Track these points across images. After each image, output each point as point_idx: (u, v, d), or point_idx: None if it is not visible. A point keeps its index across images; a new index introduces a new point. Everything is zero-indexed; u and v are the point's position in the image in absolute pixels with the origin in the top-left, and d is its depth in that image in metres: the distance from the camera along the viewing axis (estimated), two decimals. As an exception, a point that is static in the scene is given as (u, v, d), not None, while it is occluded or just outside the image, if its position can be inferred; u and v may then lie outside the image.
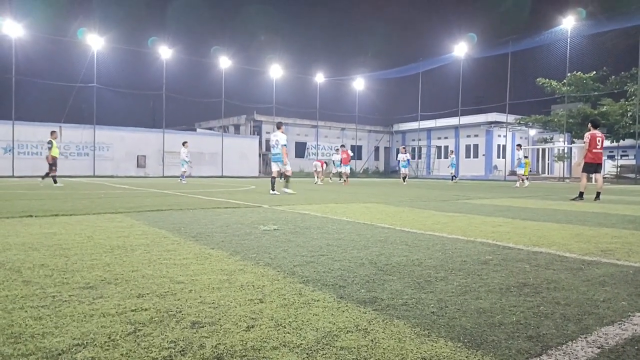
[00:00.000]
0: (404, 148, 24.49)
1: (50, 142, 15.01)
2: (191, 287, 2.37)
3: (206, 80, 40.06)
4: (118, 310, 1.97)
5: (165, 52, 33.38)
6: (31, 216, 5.52)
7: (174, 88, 35.19)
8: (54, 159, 14.89)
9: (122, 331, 1.73)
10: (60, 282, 2.43)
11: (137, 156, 32.03)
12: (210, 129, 43.42)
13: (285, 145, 11.75)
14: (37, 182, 15.34)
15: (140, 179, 26.21)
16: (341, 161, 21.77)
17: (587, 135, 10.52)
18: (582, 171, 10.68)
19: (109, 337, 1.66)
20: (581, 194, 10.24)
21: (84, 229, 4.48)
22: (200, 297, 2.20)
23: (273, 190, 11.29)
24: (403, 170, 23.37)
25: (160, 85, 33.65)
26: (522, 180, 20.09)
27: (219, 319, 1.88)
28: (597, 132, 10.47)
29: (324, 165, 22.34)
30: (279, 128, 12.21)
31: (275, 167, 11.91)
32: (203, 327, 1.79)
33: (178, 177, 22.91)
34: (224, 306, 2.06)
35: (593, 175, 10.76)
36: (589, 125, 10.73)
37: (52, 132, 15.48)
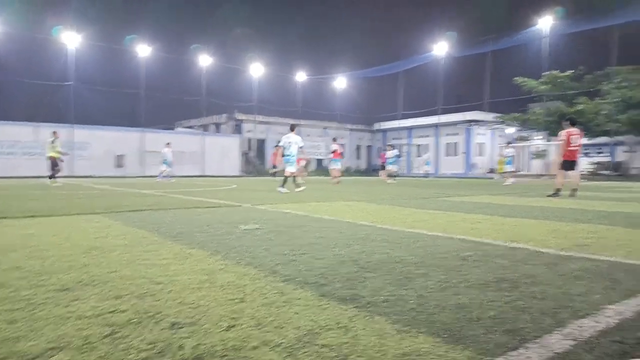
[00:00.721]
0: (390, 145, 24.41)
1: (53, 142, 15.24)
2: (171, 288, 2.34)
3: (186, 78, 39.70)
4: (95, 313, 1.94)
5: (144, 50, 32.92)
6: (5, 217, 5.39)
7: (154, 86, 34.82)
8: (52, 158, 15.14)
9: (99, 333, 1.70)
10: (36, 285, 2.38)
11: (116, 156, 31.55)
12: (190, 127, 42.99)
13: (301, 147, 12.16)
14: (47, 183, 15.40)
15: (119, 178, 25.81)
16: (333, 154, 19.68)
17: (563, 133, 10.71)
18: (559, 168, 10.88)
19: (86, 340, 1.63)
20: (557, 190, 10.44)
21: (61, 230, 4.39)
22: (179, 297, 2.18)
23: (298, 187, 11.80)
24: (391, 168, 22.61)
25: (139, 83, 33.19)
26: (509, 178, 20.35)
27: (199, 319, 1.86)
28: (574, 130, 10.65)
29: (301, 162, 21.50)
30: (292, 130, 12.41)
31: (287, 168, 12.16)
32: (182, 327, 1.77)
33: (156, 176, 23.01)
34: (204, 306, 2.04)
35: (569, 172, 10.96)
36: (566, 123, 10.92)
37: (54, 132, 15.75)
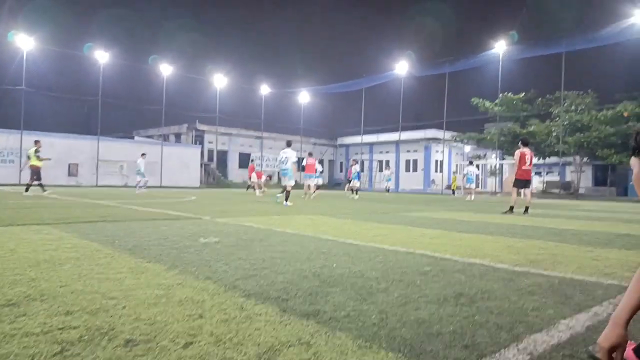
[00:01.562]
0: (354, 160, 24.71)
1: (37, 151, 15.05)
2: (125, 303, 2.25)
3: (146, 87, 38.91)
4: (43, 329, 1.83)
5: (102, 56, 32.02)
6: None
7: (112, 94, 33.93)
8: (35, 167, 14.92)
9: (47, 352, 1.60)
10: (-23, 300, 2.23)
11: (69, 164, 30.30)
12: (149, 137, 41.94)
13: (295, 162, 12.70)
14: (41, 194, 14.82)
15: (72, 187, 24.75)
16: (304, 169, 18.38)
17: (517, 153, 11.11)
18: (513, 186, 11.33)
19: (32, 359, 1.54)
20: (511, 207, 10.79)
21: (6, 241, 4.15)
22: (135, 313, 2.09)
23: (286, 201, 12.09)
24: (355, 182, 23.06)
25: (96, 90, 32.18)
26: (470, 194, 21.14)
27: (155, 336, 1.79)
28: (527, 150, 11.03)
29: (262, 176, 21.36)
30: (289, 145, 13.05)
31: (284, 181, 12.81)
32: (137, 345, 1.70)
33: (134, 186, 23.27)
34: (161, 322, 1.97)
35: (522, 190, 11.36)
36: (520, 143, 11.35)
37: (36, 142, 15.57)
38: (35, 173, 14.95)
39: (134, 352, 1.63)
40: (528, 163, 10.98)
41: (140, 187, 21.42)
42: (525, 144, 11.21)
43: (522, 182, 11.13)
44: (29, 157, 15.32)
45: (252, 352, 1.66)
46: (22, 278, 2.73)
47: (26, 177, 27.52)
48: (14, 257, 3.39)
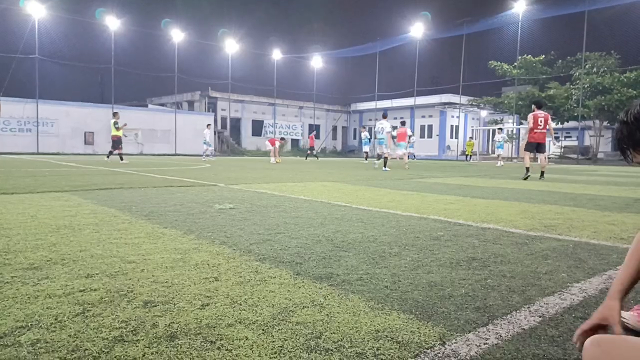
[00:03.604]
0: (363, 127, 24.90)
1: (116, 123, 17.00)
2: (143, 267, 2.31)
3: (158, 54, 38.62)
4: (65, 291, 1.90)
5: (114, 23, 31.76)
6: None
7: (124, 61, 33.79)
8: (115, 137, 16.92)
9: (69, 312, 1.67)
10: (1, 263, 2.31)
11: (85, 133, 30.64)
12: (162, 105, 41.99)
13: (389, 132, 14.76)
14: (104, 160, 16.76)
15: (89, 156, 25.12)
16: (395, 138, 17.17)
17: (530, 115, 10.85)
18: (524, 149, 11.08)
19: (56, 319, 1.60)
20: (527, 169, 10.51)
21: (27, 208, 4.26)
22: (152, 276, 2.15)
23: (385, 167, 14.09)
24: (365, 148, 23.57)
25: (109, 58, 32.11)
26: (500, 160, 21.56)
27: (173, 298, 1.85)
28: (540, 113, 10.72)
29: (277, 143, 21.38)
30: (384, 117, 15.16)
31: (380, 150, 14.97)
32: (156, 306, 1.75)
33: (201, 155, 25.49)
34: (178, 285, 2.02)
35: (538, 155, 11.11)
36: (533, 106, 11.04)
37: (115, 114, 17.83)
38: (116, 142, 16.97)
39: (153, 312, 1.68)
40: (542, 126, 10.65)
41: (207, 155, 23.68)
42: (539, 106, 10.91)
43: (533, 146, 10.84)
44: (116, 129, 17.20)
45: (267, 313, 1.70)
46: (44, 243, 2.81)
47: (47, 146, 28.02)
48: (35, 223, 3.48)
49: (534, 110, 10.85)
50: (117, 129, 16.92)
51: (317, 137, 34.74)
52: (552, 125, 11.19)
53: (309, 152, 27.90)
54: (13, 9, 28.51)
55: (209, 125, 24.17)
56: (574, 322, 1.68)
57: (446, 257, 2.64)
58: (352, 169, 15.02)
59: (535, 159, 11.21)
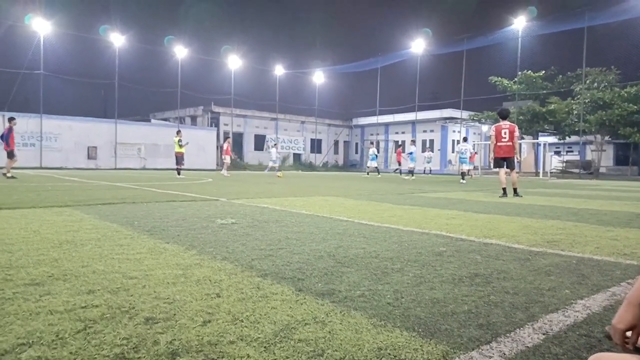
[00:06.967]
0: (370, 142, 25.20)
1: (180, 141, 18.37)
2: (145, 283, 2.30)
3: (162, 69, 38.97)
4: (67, 307, 1.89)
5: (117, 39, 32.12)
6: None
7: (128, 77, 34.02)
8: (180, 154, 18.37)
9: (71, 329, 1.66)
10: (3, 279, 2.31)
11: (88, 147, 30.75)
12: (165, 119, 42.20)
13: (472, 153, 17.92)
14: (176, 176, 17.43)
15: (91, 170, 25.20)
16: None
17: (492, 128, 9.82)
18: (493, 167, 9.98)
19: (57, 336, 1.59)
20: (504, 189, 9.45)
21: (30, 223, 4.27)
22: (154, 292, 2.15)
23: (462, 180, 17.45)
24: (371, 164, 23.82)
25: (112, 73, 32.39)
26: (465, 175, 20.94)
27: (174, 314, 1.84)
28: (504, 124, 9.71)
29: (225, 144, 21.72)
30: (465, 141, 18.76)
31: (462, 167, 18.48)
32: (157, 322, 1.75)
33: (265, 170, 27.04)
34: (180, 301, 2.02)
35: (510, 171, 9.72)
36: (498, 116, 9.99)
37: (178, 132, 19.10)
38: (180, 158, 18.40)
39: (154, 329, 1.68)
40: (507, 138, 9.58)
41: (270, 170, 24.83)
42: (503, 117, 9.86)
43: (500, 161, 9.72)
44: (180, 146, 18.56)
45: (269, 330, 1.69)
46: (46, 258, 2.81)
47: (50, 160, 28.14)
48: (37, 238, 3.49)
49: (498, 121, 9.88)
50: (181, 146, 18.33)
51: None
52: (518, 135, 9.83)
53: (397, 170, 26.62)
54: (19, 25, 28.88)
55: (275, 145, 25.65)
56: (578, 340, 1.67)
57: (449, 273, 2.62)
58: (354, 183, 15.01)
59: (508, 174, 9.71)
